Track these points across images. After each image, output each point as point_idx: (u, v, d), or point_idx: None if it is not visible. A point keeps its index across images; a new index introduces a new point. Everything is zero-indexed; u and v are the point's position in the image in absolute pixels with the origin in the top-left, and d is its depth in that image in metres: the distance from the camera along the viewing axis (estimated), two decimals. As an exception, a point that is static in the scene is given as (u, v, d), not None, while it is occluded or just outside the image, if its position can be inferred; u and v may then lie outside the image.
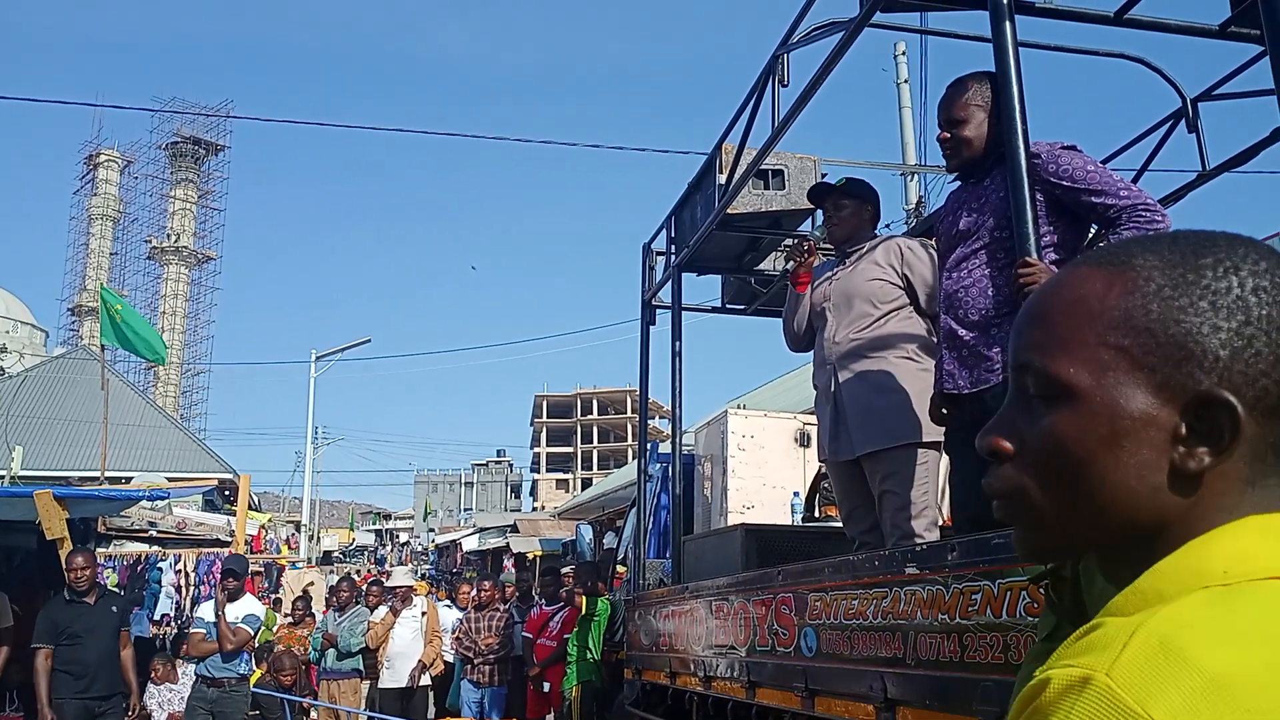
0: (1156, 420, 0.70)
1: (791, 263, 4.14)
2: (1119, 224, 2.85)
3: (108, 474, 11.00)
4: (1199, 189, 4.63)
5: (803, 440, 7.31)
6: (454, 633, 8.93)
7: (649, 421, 6.77)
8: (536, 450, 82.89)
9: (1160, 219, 2.83)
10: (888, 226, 8.43)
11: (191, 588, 9.53)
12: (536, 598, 9.16)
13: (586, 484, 63.83)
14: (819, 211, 5.49)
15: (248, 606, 7.26)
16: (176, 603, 9.49)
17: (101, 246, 65.95)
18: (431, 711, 8.92)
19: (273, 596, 13.62)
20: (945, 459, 3.78)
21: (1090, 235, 3.21)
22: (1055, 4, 3.28)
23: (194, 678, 7.26)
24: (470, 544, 29.42)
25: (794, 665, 3.64)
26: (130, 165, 67.40)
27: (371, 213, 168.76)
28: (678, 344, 6.09)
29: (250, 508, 16.59)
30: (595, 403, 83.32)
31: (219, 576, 8.24)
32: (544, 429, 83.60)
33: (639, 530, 6.79)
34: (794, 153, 5.42)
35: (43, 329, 59.23)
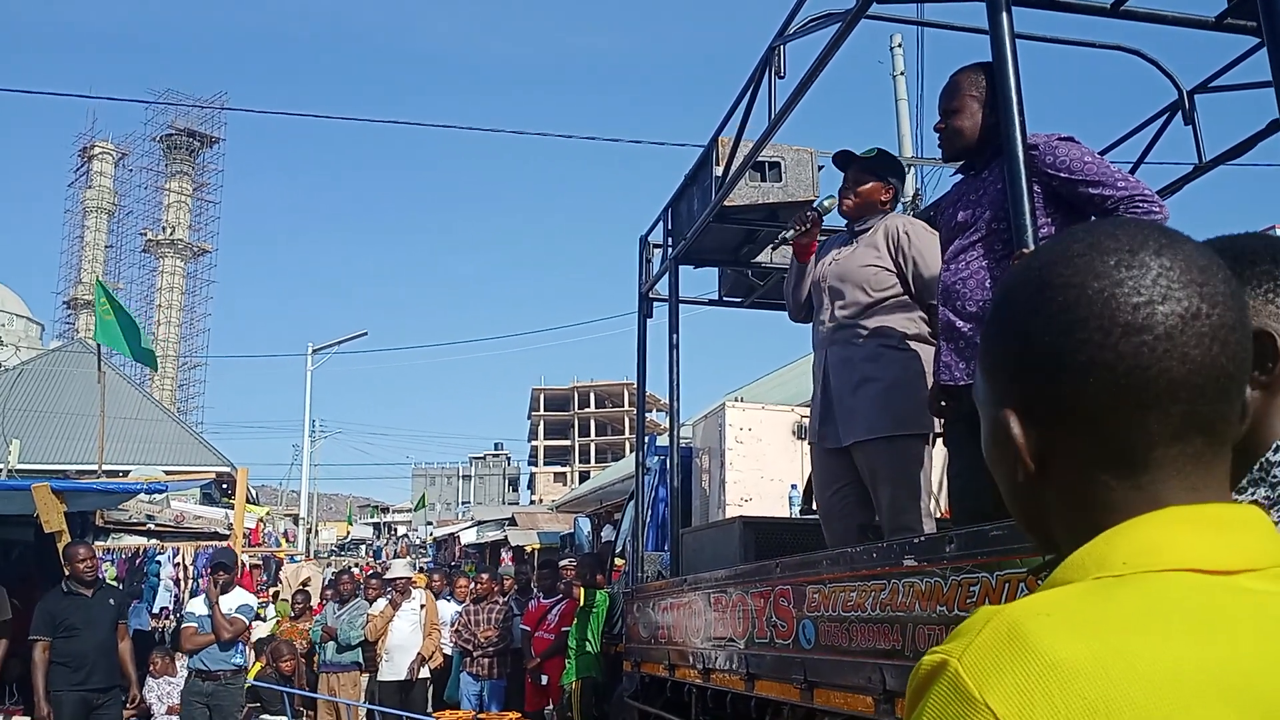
0: None
1: (792, 231, 4.08)
2: (1116, 215, 2.85)
3: (105, 467, 10.97)
4: (1195, 181, 4.64)
5: (800, 433, 7.31)
6: (453, 625, 8.95)
7: (647, 414, 6.78)
8: (534, 443, 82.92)
9: (1158, 210, 2.84)
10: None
11: (190, 581, 9.54)
12: (535, 590, 9.18)
13: (584, 477, 63.87)
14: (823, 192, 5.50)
15: (240, 598, 7.26)
16: (175, 596, 9.50)
17: (96, 240, 65.84)
18: (430, 704, 8.93)
19: (272, 590, 13.63)
20: (941, 450, 3.78)
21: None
22: (1052, -4, 3.29)
23: (188, 672, 7.27)
24: (468, 537, 29.43)
25: (793, 657, 3.65)
26: (125, 158, 67.28)
27: (366, 205, 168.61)
28: (675, 336, 6.09)
29: (248, 501, 16.59)
30: (593, 396, 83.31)
31: (210, 569, 8.27)
32: (541, 422, 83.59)
33: (637, 523, 6.80)
34: (791, 145, 5.41)
35: (39, 322, 59.19)
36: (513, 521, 25.81)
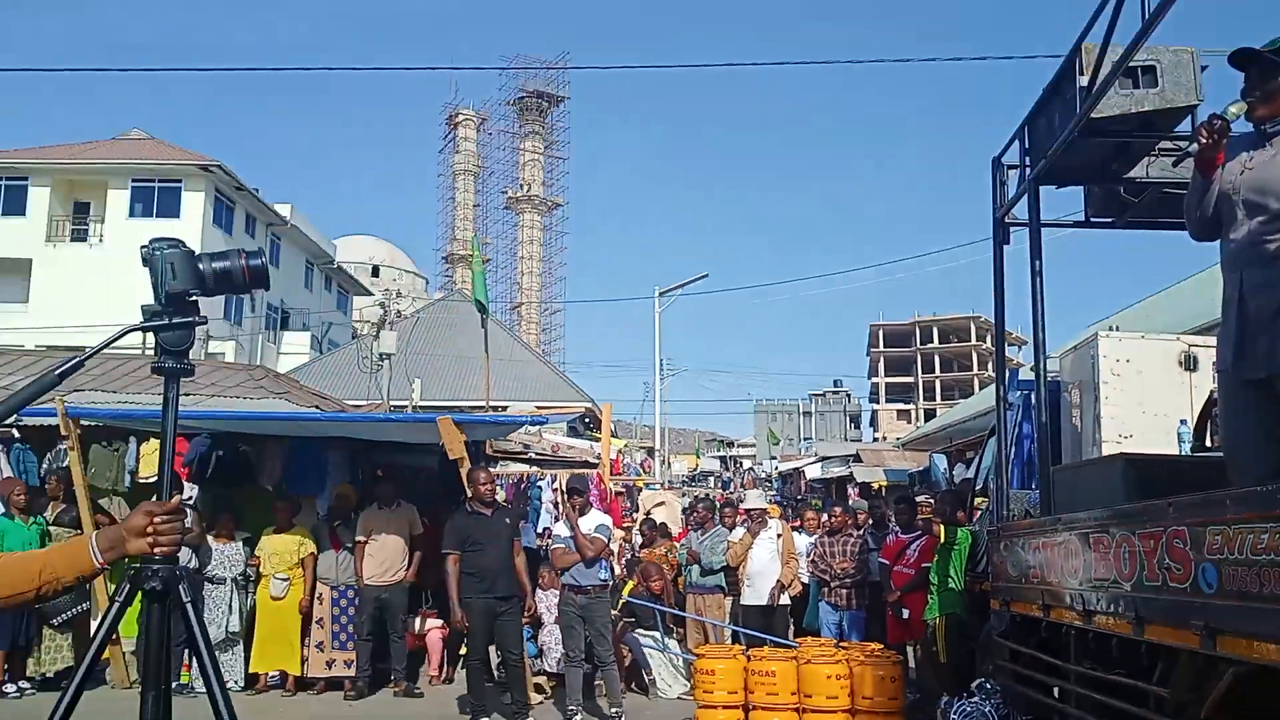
0: None
1: (1197, 144, 3.69)
2: None
3: (491, 403, 12.22)
4: None
5: (1189, 364, 6.69)
6: (808, 556, 9.15)
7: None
8: (874, 380, 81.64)
9: None
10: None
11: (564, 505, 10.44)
12: (891, 525, 9.14)
13: (929, 415, 61.95)
14: (1199, 107, 4.94)
15: (596, 519, 7.74)
16: (555, 517, 10.44)
17: (465, 199, 72.35)
18: (791, 630, 9.23)
19: (635, 515, 14.56)
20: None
21: None
22: None
23: (562, 586, 7.95)
24: (813, 472, 29.71)
25: (1190, 602, 3.42)
26: (484, 122, 73.07)
27: (704, 149, 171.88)
28: (1038, 263, 5.78)
29: (608, 434, 17.83)
30: (935, 331, 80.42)
31: (565, 496, 8.93)
32: (881, 359, 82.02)
33: (1000, 460, 6.57)
34: (1167, 45, 4.91)
35: (423, 276, 66.30)
36: (857, 458, 25.72)
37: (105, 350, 1.99)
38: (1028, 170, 5.85)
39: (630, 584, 9.36)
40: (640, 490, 17.95)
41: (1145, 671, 3.96)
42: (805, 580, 9.24)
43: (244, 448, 9.16)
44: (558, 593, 8.52)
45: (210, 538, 8.51)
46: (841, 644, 7.41)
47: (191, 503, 8.87)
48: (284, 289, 36.67)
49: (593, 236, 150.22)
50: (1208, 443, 5.57)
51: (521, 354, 31.42)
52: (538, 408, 20.33)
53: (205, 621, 2.57)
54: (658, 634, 8.80)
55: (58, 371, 1.88)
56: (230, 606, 8.39)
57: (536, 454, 11.68)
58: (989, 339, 68.51)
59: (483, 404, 15.88)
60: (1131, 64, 4.58)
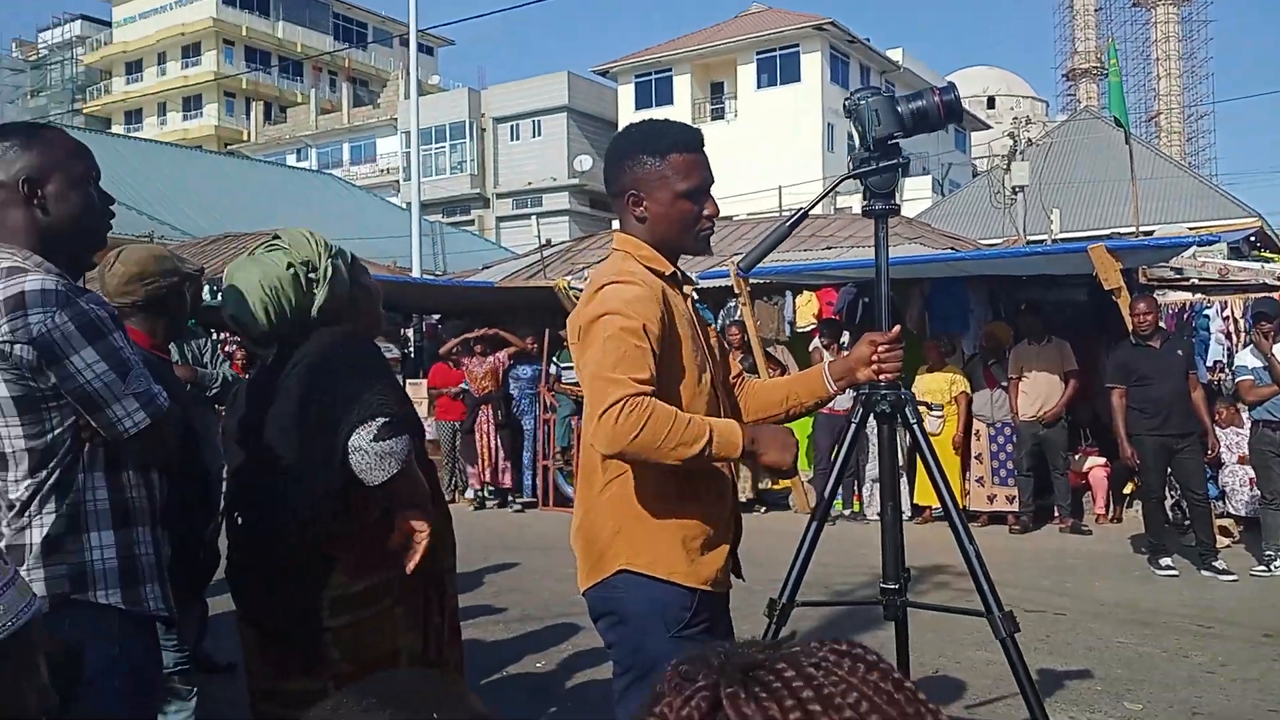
0: None
1: None
2: None
3: (1142, 228, 11.18)
4: None
5: None
6: None
7: None
8: None
9: None
10: None
11: (1243, 334, 9.27)
12: None
13: None
14: None
15: None
16: (1227, 349, 9.36)
17: (1085, 5, 65.46)
18: None
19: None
20: None
21: None
22: None
23: (1252, 423, 7.12)
24: None
25: None
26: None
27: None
28: None
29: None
30: None
31: (1250, 321, 7.95)
32: None
33: None
34: None
35: (1042, 100, 61.93)
36: None
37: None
38: None
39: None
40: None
41: None
42: None
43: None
44: (1239, 430, 7.72)
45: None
46: None
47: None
48: (900, 136, 36.87)
49: (1239, 22, 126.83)
50: None
51: (1166, 169, 28.05)
52: (1189, 229, 18.13)
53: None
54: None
55: (788, 224, 2.14)
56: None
57: (1200, 279, 10.47)
58: None
59: (1128, 229, 14.59)
60: None
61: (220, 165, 30.48)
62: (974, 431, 8.68)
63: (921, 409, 8.82)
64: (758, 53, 33.86)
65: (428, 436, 10.62)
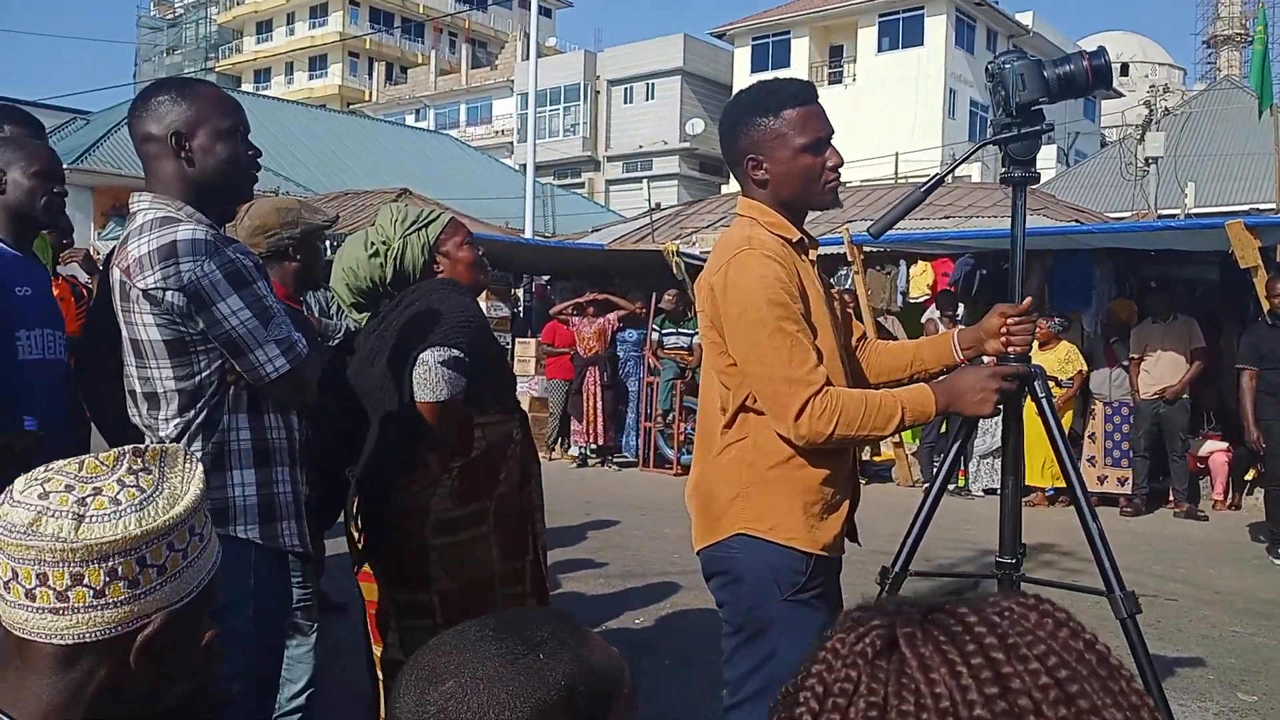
0: None
1: None
2: None
3: (1283, 204, 10.59)
4: None
5: None
6: None
7: None
8: None
9: None
10: None
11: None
12: None
13: None
14: None
15: None
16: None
17: (1234, -34, 61.68)
18: None
19: None
20: None
21: None
22: None
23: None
24: None
25: None
26: None
27: None
28: None
29: None
30: None
31: None
32: None
33: None
34: None
35: (1179, 67, 58.83)
36: None
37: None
38: None
39: None
40: None
41: None
42: None
43: (1005, 265, 9.28)
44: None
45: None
46: None
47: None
48: (1025, 103, 35.52)
49: None
50: None
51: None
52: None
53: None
54: None
55: (923, 189, 2.11)
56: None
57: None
58: None
59: (1268, 205, 13.83)
60: None
61: (343, 124, 31.29)
62: (1090, 410, 8.42)
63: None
64: (880, 15, 32.96)
65: (535, 394, 10.90)
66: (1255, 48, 14.88)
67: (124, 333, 1.94)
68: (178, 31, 53.47)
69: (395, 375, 2.48)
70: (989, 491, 8.59)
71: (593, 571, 5.81)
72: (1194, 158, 22.46)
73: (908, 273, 9.83)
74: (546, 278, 12.61)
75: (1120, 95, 42.70)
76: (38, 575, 1.00)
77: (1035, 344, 8.21)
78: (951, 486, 8.97)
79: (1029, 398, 2.16)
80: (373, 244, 2.67)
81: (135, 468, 1.06)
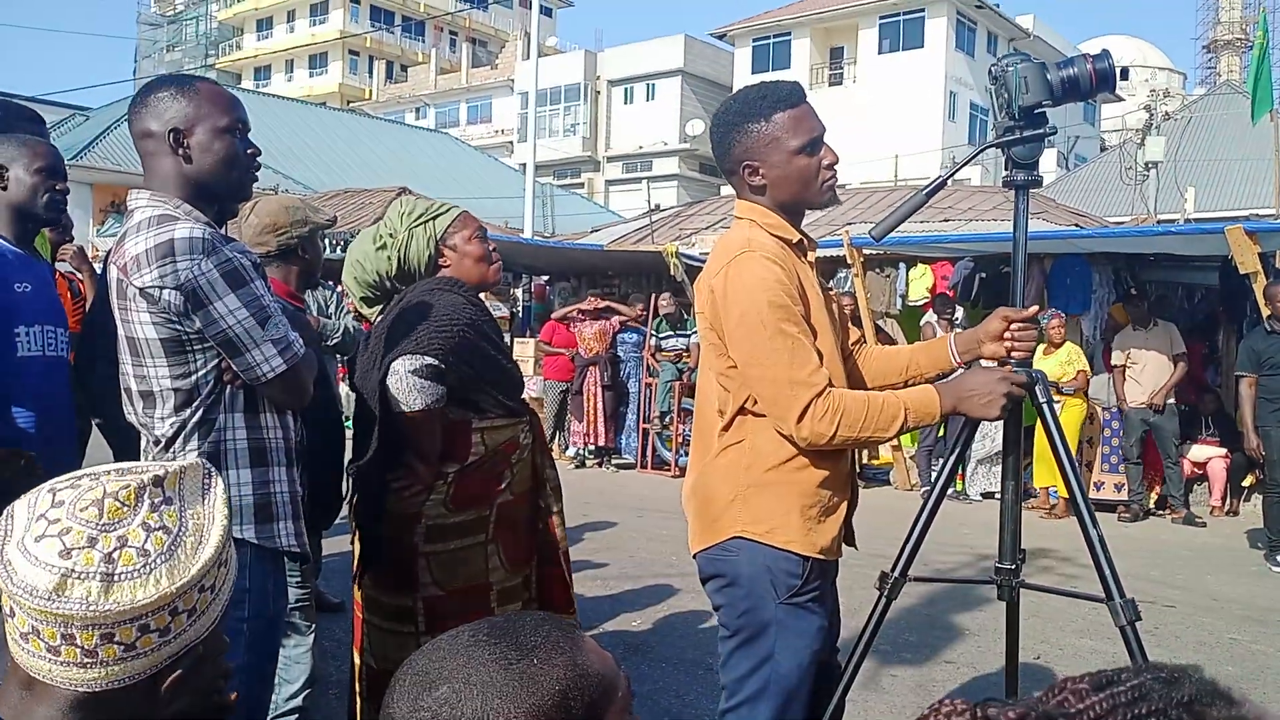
0: None
1: None
2: None
3: (1283, 210, 10.59)
4: None
5: None
6: None
7: None
8: None
9: None
10: None
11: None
12: None
13: None
14: None
15: None
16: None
17: (1235, -28, 61.67)
18: None
19: None
20: None
21: None
22: None
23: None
24: None
25: None
26: None
27: None
28: None
29: None
30: None
31: None
32: None
33: None
34: None
35: (1179, 72, 58.82)
36: None
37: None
38: None
39: None
40: None
41: None
42: None
43: (1005, 269, 9.30)
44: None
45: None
46: None
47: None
48: (1025, 107, 35.55)
49: None
50: None
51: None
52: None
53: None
54: None
55: (925, 191, 2.10)
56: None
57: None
58: None
59: (1268, 211, 13.82)
60: None
61: (343, 122, 31.29)
62: (1089, 415, 8.42)
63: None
64: (881, 17, 32.96)
65: (533, 394, 10.89)
66: (1256, 48, 14.87)
67: (120, 330, 1.93)
68: (178, 28, 53.38)
69: (381, 381, 2.45)
70: (986, 495, 8.59)
71: (591, 573, 5.80)
72: (1194, 162, 22.46)
73: (907, 276, 9.81)
74: (545, 278, 12.60)
75: (1120, 99, 42.76)
76: (63, 636, 0.94)
77: (1048, 345, 8.27)
78: (950, 490, 9.00)
79: (1029, 402, 2.15)
80: (380, 237, 2.63)
81: (157, 501, 1.01)
